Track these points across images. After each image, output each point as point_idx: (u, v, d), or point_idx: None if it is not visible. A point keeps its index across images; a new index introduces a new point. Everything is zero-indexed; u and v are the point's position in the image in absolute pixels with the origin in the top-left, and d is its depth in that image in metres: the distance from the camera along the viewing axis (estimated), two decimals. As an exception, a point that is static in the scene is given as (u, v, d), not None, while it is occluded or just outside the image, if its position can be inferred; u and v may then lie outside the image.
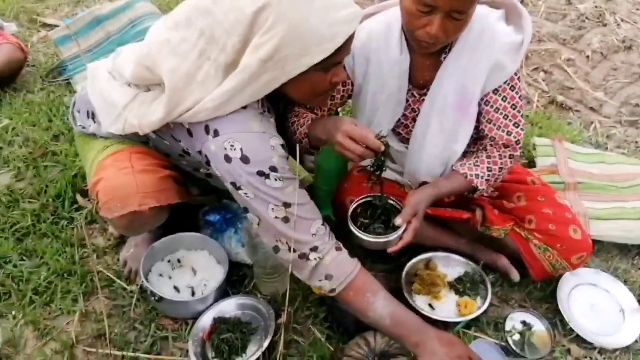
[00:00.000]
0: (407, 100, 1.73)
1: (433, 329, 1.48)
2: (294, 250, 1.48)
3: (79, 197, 2.23)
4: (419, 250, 1.99)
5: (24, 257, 2.03)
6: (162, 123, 1.45)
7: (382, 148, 1.47)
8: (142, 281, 1.83)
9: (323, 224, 1.53)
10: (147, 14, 2.91)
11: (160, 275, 1.92)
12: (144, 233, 1.93)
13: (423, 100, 1.69)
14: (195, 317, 1.81)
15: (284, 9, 1.26)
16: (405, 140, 1.81)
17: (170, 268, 1.95)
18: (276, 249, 1.52)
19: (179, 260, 1.97)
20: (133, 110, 1.51)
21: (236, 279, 1.96)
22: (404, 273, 1.93)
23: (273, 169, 1.41)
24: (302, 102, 1.68)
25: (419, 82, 1.69)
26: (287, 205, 1.44)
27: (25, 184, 2.30)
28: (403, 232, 1.58)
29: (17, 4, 3.56)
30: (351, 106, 1.88)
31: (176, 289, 1.87)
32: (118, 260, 2.03)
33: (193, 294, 1.86)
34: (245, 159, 1.39)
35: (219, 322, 1.78)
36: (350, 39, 1.36)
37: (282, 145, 1.47)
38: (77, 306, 1.88)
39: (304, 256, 1.49)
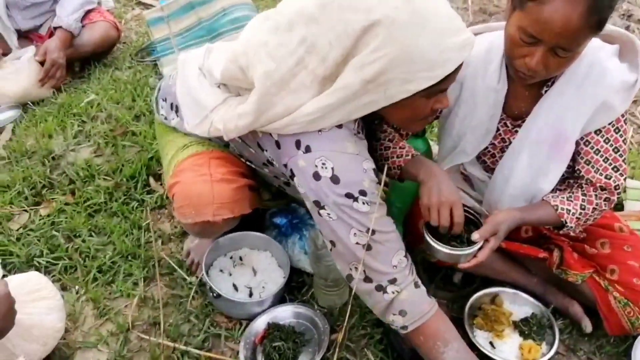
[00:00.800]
0: (498, 129, 1.63)
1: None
2: (370, 280, 1.41)
3: (152, 181, 2.25)
4: (487, 283, 1.89)
5: (93, 234, 2.07)
6: (249, 129, 1.41)
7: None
8: (203, 275, 1.83)
9: (405, 256, 1.45)
10: (239, 4, 2.91)
11: (221, 271, 1.91)
12: (205, 236, 1.87)
13: (516, 131, 1.60)
14: (250, 318, 1.79)
15: (396, 29, 1.20)
16: (489, 169, 1.72)
17: (232, 265, 1.94)
18: (349, 278, 1.45)
19: (240, 258, 1.96)
20: (220, 113, 1.48)
21: (295, 285, 1.92)
22: (467, 305, 1.84)
23: (363, 192, 1.35)
24: (399, 127, 1.61)
25: (514, 112, 1.60)
26: (372, 232, 1.38)
27: (103, 160, 2.35)
28: (479, 250, 1.49)
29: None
30: (438, 126, 1.80)
31: (235, 287, 1.86)
32: (182, 249, 2.04)
33: (251, 294, 1.84)
34: (335, 179, 1.34)
35: (273, 328, 1.76)
36: (460, 66, 1.28)
37: (374, 170, 1.40)
38: (137, 290, 1.89)
39: (380, 288, 1.42)
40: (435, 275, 1.94)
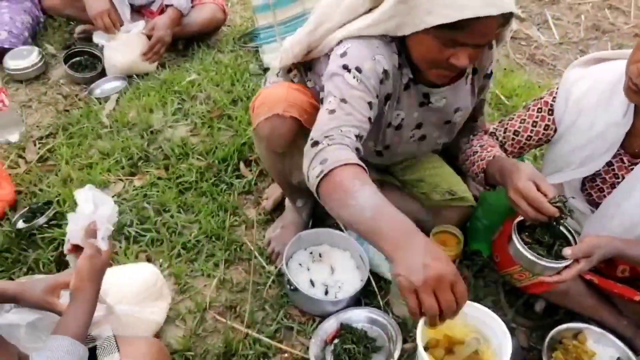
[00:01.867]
0: (612, 164, 1.55)
1: (423, 236, 1.14)
2: (313, 141, 1.35)
3: (242, 166, 2.30)
4: (571, 317, 1.81)
5: (181, 210, 2.13)
6: (309, 38, 1.58)
7: (557, 214, 1.34)
8: (283, 266, 1.84)
9: (357, 136, 1.36)
10: (345, -1, 2.90)
11: (300, 264, 1.92)
12: (281, 149, 1.73)
13: (632, 169, 1.51)
14: (323, 316, 1.80)
15: None
16: (593, 203, 1.64)
17: (311, 260, 1.95)
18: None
19: (320, 255, 1.97)
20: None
21: (371, 290, 1.91)
22: (548, 336, 1.76)
23: (358, 69, 1.41)
24: (419, 66, 1.50)
25: (635, 150, 1.51)
26: (344, 101, 1.38)
27: (198, 140, 2.41)
28: (565, 267, 1.41)
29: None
30: (544, 150, 1.73)
31: (312, 282, 1.87)
32: (264, 237, 2.06)
33: (326, 292, 1.85)
34: (343, 54, 1.44)
35: (345, 329, 1.76)
36: (481, 26, 1.28)
37: (386, 71, 1.46)
38: (217, 272, 1.94)
39: (315, 144, 1.33)
40: (517, 301, 1.88)
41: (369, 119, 1.41)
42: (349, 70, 1.40)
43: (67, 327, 1.23)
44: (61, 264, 1.92)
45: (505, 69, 3.01)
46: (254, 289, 1.91)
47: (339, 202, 1.24)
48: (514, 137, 1.71)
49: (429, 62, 1.41)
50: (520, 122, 1.69)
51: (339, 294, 1.85)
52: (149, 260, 1.98)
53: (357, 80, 1.40)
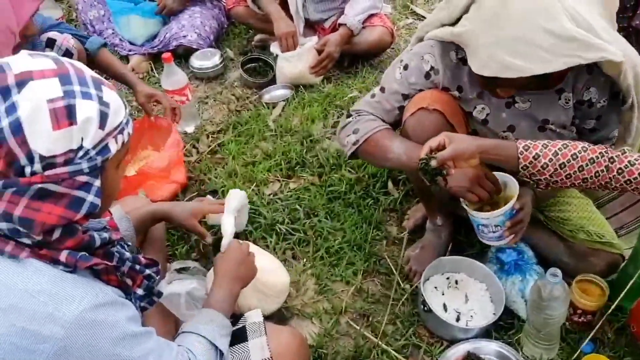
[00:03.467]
0: None
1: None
2: (348, 112, 1.94)
3: (390, 184, 2.39)
4: None
5: (328, 217, 2.27)
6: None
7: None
8: (420, 286, 1.90)
9: (383, 121, 1.85)
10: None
11: (436, 288, 1.98)
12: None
13: None
14: (452, 341, 1.84)
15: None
16: None
17: (446, 285, 1.99)
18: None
19: (456, 282, 2.00)
20: None
21: (503, 324, 1.91)
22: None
23: (406, 67, 1.82)
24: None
25: None
26: (382, 89, 1.87)
27: (352, 154, 2.55)
28: None
29: (398, -12, 3.88)
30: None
31: (445, 307, 1.92)
32: (403, 255, 2.14)
33: (458, 319, 1.89)
34: (409, 50, 1.88)
35: (472, 358, 1.78)
36: (505, 80, 1.52)
37: (433, 68, 1.78)
38: (355, 280, 2.04)
39: (349, 116, 1.91)
40: None
41: (400, 107, 1.84)
42: (399, 66, 1.83)
43: (214, 302, 1.42)
44: (217, 248, 2.12)
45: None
46: (387, 302, 1.99)
47: (381, 158, 1.82)
48: None
49: (480, 83, 1.70)
50: None
51: (471, 322, 1.88)
52: (294, 257, 2.14)
53: (400, 76, 1.82)
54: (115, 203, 1.94)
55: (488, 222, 1.72)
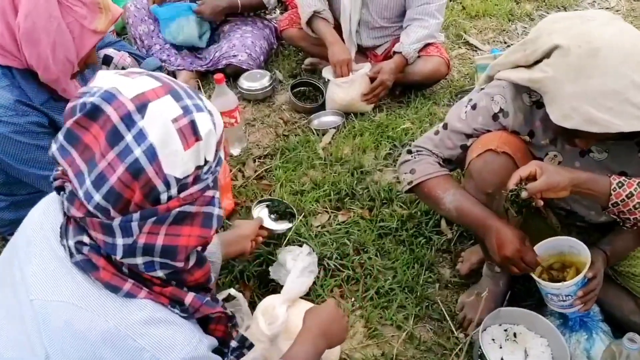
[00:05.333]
0: None
1: (495, 223, 1.64)
2: (409, 146, 1.93)
3: (443, 223, 2.28)
4: None
5: (378, 254, 2.17)
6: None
7: None
8: (479, 337, 1.78)
9: (444, 163, 1.83)
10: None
11: (493, 340, 1.85)
12: (491, 188, 1.72)
13: None
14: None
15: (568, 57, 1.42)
16: None
17: (504, 338, 1.87)
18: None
19: (515, 335, 1.88)
20: None
21: (565, 385, 1.79)
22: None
23: (474, 107, 1.75)
24: None
25: None
26: (444, 126, 1.83)
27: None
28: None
29: (451, 17, 3.79)
30: None
31: (502, 361, 1.80)
32: (456, 300, 2.03)
33: (516, 376, 1.76)
34: (480, 90, 1.79)
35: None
36: (587, 133, 1.41)
37: (502, 110, 1.70)
38: (407, 325, 1.94)
39: (409, 152, 1.90)
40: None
41: (462, 146, 1.79)
42: (467, 105, 1.77)
43: (295, 357, 1.33)
44: (263, 280, 2.04)
45: None
46: (440, 351, 1.88)
47: (433, 206, 1.88)
48: None
49: (556, 130, 1.57)
50: None
51: (532, 381, 1.75)
52: (341, 296, 2.04)
53: (465, 115, 1.76)
54: None
55: (558, 292, 1.63)
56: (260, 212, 2.14)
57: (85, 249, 0.94)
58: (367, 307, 1.99)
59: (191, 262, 0.98)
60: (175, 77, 3.17)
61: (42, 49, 1.68)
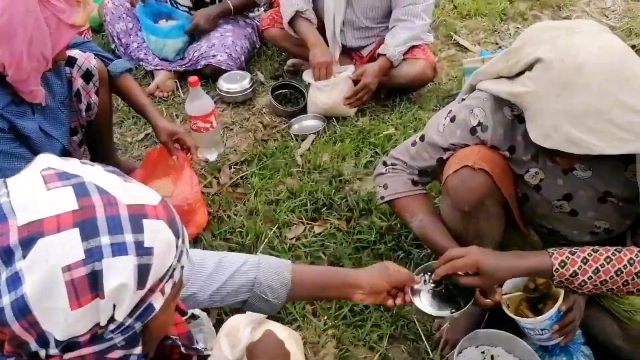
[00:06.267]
0: None
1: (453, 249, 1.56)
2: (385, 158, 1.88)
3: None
4: None
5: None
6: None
7: None
8: (454, 358, 1.70)
9: (420, 175, 1.78)
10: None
11: (469, 363, 1.77)
12: (467, 206, 1.61)
13: None
14: None
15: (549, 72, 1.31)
16: None
17: (482, 360, 1.79)
18: None
19: (492, 357, 1.79)
20: None
21: (544, 411, 1.71)
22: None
23: (453, 119, 1.67)
24: None
25: None
26: (422, 138, 1.75)
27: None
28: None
29: (442, 16, 3.68)
30: None
31: (479, 386, 1.71)
32: (433, 320, 1.94)
33: (493, 402, 1.68)
34: (461, 101, 1.71)
35: None
36: (567, 154, 1.31)
37: (480, 123, 1.61)
38: (380, 346, 1.85)
39: (384, 164, 1.85)
40: None
41: (439, 159, 1.70)
42: (446, 117, 1.68)
43: None
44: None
45: None
46: (414, 373, 1.79)
47: (403, 220, 1.88)
48: None
49: (538, 148, 1.45)
50: None
51: (509, 409, 1.67)
52: (314, 314, 1.95)
53: (444, 127, 1.68)
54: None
55: (533, 327, 1.56)
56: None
57: None
58: (340, 325, 1.90)
59: None
60: (153, 77, 3.07)
61: (17, 45, 1.60)
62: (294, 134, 2.68)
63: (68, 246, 0.70)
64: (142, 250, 0.74)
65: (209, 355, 1.15)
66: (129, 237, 0.73)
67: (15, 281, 0.69)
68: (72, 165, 0.78)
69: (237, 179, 2.46)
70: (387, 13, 2.84)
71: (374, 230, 2.19)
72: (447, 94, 2.94)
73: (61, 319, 0.70)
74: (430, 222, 1.72)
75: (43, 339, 0.71)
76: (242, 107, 2.92)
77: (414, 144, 1.79)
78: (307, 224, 2.25)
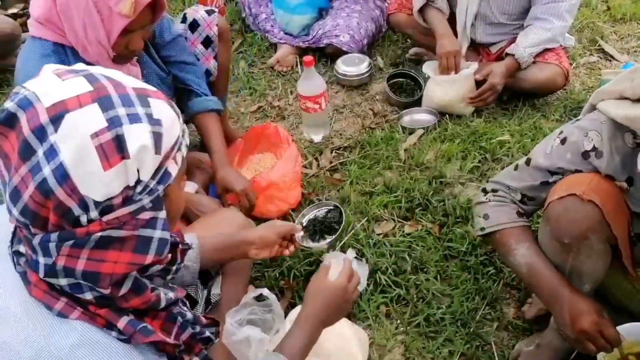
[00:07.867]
0: None
1: (568, 293, 1.46)
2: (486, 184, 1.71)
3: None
4: None
5: (439, 277, 1.99)
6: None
7: None
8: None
9: (524, 202, 1.61)
10: None
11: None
12: (568, 238, 1.47)
13: None
14: None
15: None
16: None
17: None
18: None
19: (570, 402, 1.65)
20: None
21: None
22: None
23: (563, 141, 1.49)
24: None
25: None
26: (527, 162, 1.59)
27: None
28: None
29: (590, 17, 3.37)
30: None
31: None
32: (513, 346, 1.81)
33: None
34: (575, 122, 1.52)
35: None
36: None
37: (595, 149, 1.44)
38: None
39: (484, 191, 1.68)
40: None
41: (543, 182, 1.54)
42: (556, 138, 1.52)
43: (289, 348, 1.28)
44: (307, 280, 1.93)
45: None
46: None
47: (502, 255, 1.69)
48: None
49: None
50: None
51: None
52: (387, 315, 1.89)
53: (552, 149, 1.52)
54: (206, 217, 1.81)
55: None
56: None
57: (22, 260, 0.88)
58: (411, 333, 1.83)
59: (124, 289, 0.88)
60: (276, 49, 3.10)
61: (76, 28, 1.62)
62: (402, 126, 2.59)
63: (92, 117, 0.80)
64: (153, 121, 0.85)
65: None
66: (140, 110, 0.84)
67: (52, 152, 0.78)
68: (77, 66, 0.90)
69: (336, 164, 2.43)
70: (525, 9, 2.64)
71: (466, 240, 2.07)
72: (577, 105, 2.69)
73: (96, 180, 0.79)
74: (540, 254, 1.54)
75: (84, 204, 0.80)
76: (355, 91, 2.87)
77: (516, 167, 1.64)
78: (398, 222, 2.17)
